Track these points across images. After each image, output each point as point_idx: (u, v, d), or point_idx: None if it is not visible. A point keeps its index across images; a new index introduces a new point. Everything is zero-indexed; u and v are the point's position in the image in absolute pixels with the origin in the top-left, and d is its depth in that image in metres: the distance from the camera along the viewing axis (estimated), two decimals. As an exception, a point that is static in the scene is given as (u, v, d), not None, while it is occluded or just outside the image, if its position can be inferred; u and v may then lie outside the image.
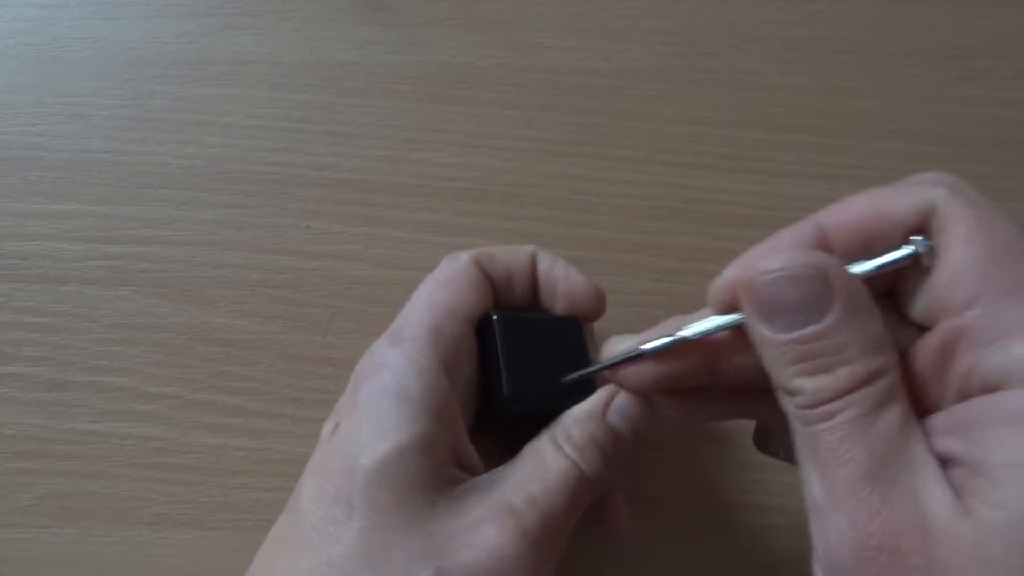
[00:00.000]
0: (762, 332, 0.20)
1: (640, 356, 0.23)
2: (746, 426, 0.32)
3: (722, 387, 0.24)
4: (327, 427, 0.25)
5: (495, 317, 0.26)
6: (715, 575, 0.31)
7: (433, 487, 0.23)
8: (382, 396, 0.23)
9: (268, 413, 0.32)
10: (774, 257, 0.19)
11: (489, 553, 0.22)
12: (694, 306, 0.28)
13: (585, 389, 0.26)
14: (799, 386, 0.19)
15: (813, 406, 0.19)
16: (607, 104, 0.36)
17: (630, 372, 0.24)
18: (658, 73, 0.37)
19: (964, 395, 0.19)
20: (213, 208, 0.35)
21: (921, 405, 0.19)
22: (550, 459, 0.24)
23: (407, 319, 0.26)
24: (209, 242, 0.34)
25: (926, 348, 0.20)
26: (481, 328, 0.26)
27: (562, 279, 0.28)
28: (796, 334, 0.19)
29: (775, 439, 0.30)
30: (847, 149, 0.36)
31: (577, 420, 0.25)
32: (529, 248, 0.28)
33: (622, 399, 0.25)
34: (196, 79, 0.36)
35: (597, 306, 0.28)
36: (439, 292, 0.26)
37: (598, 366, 0.25)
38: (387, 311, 0.33)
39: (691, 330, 0.22)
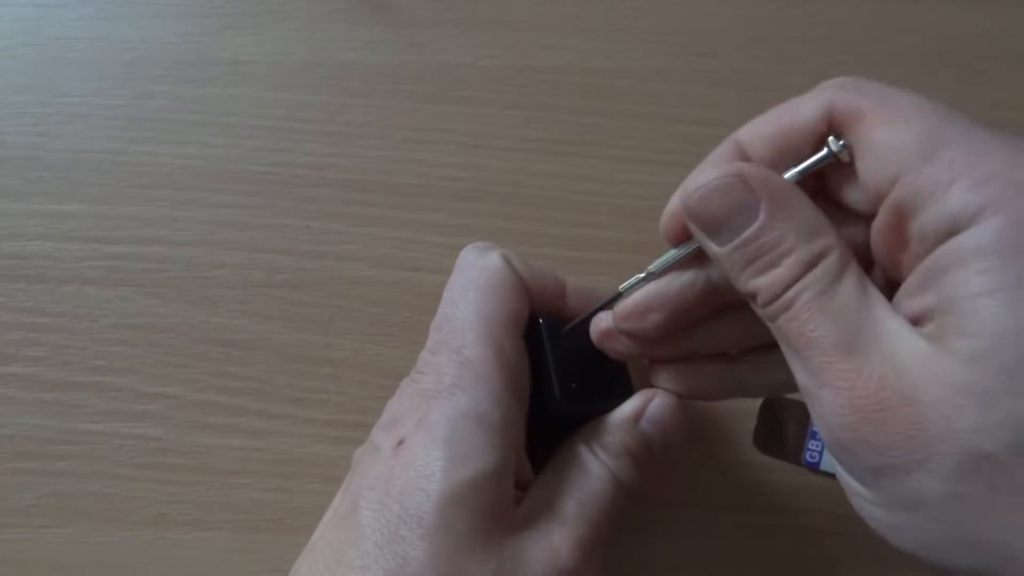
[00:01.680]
0: (712, 248, 0.21)
1: (618, 297, 0.25)
2: (747, 427, 0.32)
3: (713, 350, 0.25)
4: (386, 440, 0.24)
5: (541, 321, 0.26)
6: (715, 575, 0.31)
7: (503, 510, 0.23)
8: (461, 420, 0.23)
9: (268, 413, 0.32)
10: (700, 175, 0.21)
11: (555, 567, 0.22)
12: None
13: (623, 393, 0.27)
14: (755, 286, 0.20)
15: (772, 301, 0.20)
16: (607, 104, 0.36)
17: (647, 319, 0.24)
18: (658, 73, 0.37)
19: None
20: (213, 208, 0.35)
21: (895, 285, 0.20)
22: (589, 467, 0.25)
23: (462, 332, 0.25)
24: (209, 242, 0.34)
25: (879, 233, 0.20)
26: (526, 331, 0.26)
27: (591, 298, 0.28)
28: (737, 240, 0.20)
29: (775, 440, 0.30)
30: (847, 149, 0.36)
31: (610, 428, 0.26)
32: (559, 276, 0.28)
33: (655, 407, 0.26)
34: (196, 79, 0.36)
35: None
36: (487, 301, 0.25)
37: (589, 312, 0.26)
38: (387, 311, 0.34)
39: (655, 264, 0.24)
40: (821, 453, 0.32)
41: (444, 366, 0.24)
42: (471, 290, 0.26)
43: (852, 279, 0.19)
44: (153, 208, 0.35)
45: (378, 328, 0.33)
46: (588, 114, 0.36)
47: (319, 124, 0.36)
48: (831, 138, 0.21)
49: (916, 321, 0.19)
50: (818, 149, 0.21)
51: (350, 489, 0.25)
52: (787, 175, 0.21)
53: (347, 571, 0.22)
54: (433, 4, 0.37)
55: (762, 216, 0.20)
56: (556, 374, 0.26)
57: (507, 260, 0.26)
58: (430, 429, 0.23)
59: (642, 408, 0.26)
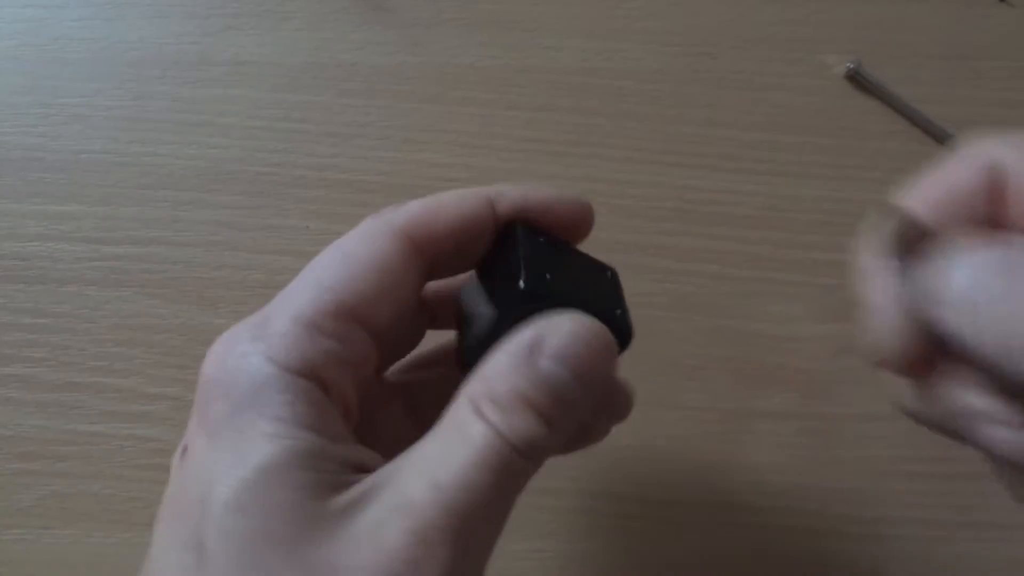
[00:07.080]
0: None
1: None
2: (748, 427, 0.32)
3: None
4: (177, 451, 0.20)
5: (519, 227, 0.22)
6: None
7: (311, 506, 0.18)
8: (238, 413, 0.19)
9: (268, 414, 0.32)
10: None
11: (376, 566, 0.17)
12: (694, 307, 0.28)
13: (609, 304, 0.21)
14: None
15: None
16: (608, 104, 0.36)
17: None
18: (658, 74, 0.37)
19: None
20: (213, 209, 0.35)
21: None
22: (464, 430, 0.18)
23: (283, 301, 0.21)
24: (209, 243, 0.34)
25: None
26: (497, 238, 0.22)
27: (543, 209, 0.22)
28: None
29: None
30: (847, 149, 0.36)
31: (500, 371, 0.19)
32: (483, 192, 0.22)
33: (555, 336, 0.19)
34: (197, 80, 0.36)
35: (586, 220, 0.23)
36: (334, 272, 0.21)
37: None
38: (387, 311, 0.34)
39: None
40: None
41: (234, 343, 0.20)
42: (334, 251, 0.22)
43: None
44: (153, 208, 0.35)
45: (378, 328, 0.33)
46: (588, 114, 0.36)
47: (319, 125, 0.36)
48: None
49: None
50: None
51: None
52: None
53: None
54: (433, 4, 0.37)
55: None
56: (525, 265, 0.20)
57: (405, 234, 0.22)
58: (207, 425, 0.19)
59: (537, 338, 0.19)
